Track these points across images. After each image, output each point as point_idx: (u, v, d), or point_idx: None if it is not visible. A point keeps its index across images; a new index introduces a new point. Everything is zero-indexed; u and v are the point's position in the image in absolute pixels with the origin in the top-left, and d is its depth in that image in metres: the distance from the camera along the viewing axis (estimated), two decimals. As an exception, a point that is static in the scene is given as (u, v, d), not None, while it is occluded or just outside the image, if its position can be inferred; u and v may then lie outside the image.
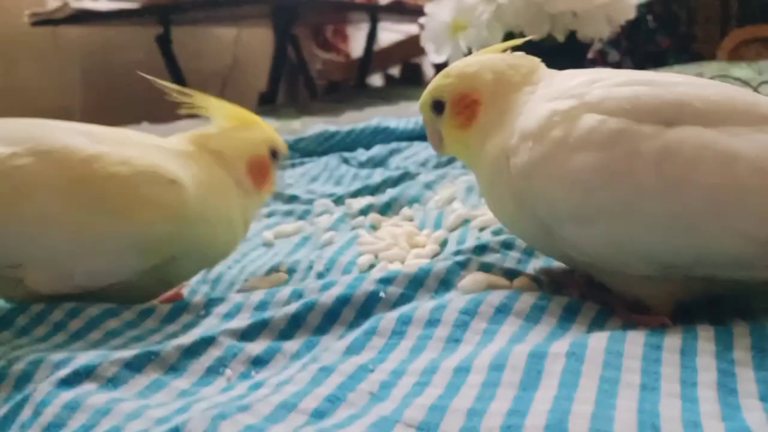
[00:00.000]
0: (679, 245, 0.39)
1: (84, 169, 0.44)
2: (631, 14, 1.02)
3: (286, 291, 0.46)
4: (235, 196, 0.52)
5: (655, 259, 0.40)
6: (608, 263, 0.42)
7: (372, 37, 2.26)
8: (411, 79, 2.47)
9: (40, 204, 0.44)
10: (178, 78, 1.85)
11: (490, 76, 0.47)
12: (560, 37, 1.00)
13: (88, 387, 0.36)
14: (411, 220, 0.67)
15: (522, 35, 0.99)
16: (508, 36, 1.01)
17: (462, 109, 0.47)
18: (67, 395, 0.35)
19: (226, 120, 0.53)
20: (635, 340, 0.37)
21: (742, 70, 1.22)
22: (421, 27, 1.09)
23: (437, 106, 0.49)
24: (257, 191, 0.54)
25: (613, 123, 0.39)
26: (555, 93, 0.43)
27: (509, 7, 0.98)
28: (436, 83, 0.49)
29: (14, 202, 0.43)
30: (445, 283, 0.47)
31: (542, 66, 0.48)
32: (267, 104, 1.85)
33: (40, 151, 0.44)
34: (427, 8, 1.07)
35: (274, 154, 0.55)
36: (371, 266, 0.56)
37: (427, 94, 0.50)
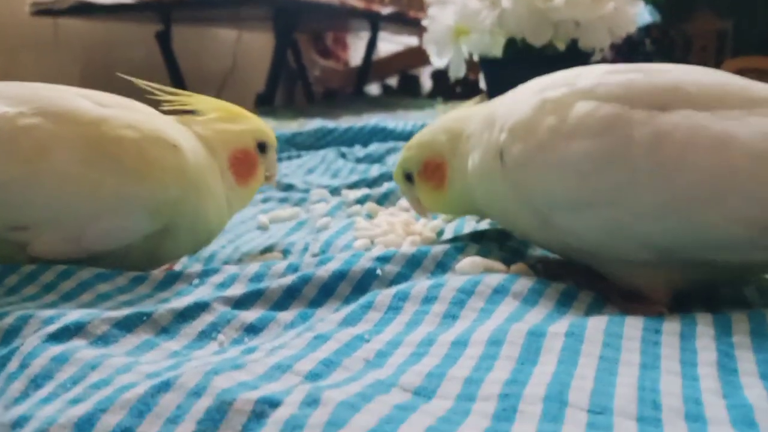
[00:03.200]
0: (674, 229, 0.39)
1: (94, 131, 0.44)
2: (633, 27, 1.03)
3: (282, 264, 0.45)
4: (219, 180, 0.52)
5: (650, 243, 0.40)
6: (605, 250, 0.41)
7: (372, 45, 2.27)
8: (408, 90, 2.48)
9: (55, 162, 0.43)
10: (177, 76, 1.85)
11: (444, 137, 0.51)
12: (561, 46, 1.00)
13: (77, 343, 0.35)
14: (407, 210, 0.66)
15: (524, 42, 1.01)
16: (511, 42, 1.02)
17: (431, 174, 0.52)
18: (56, 349, 0.34)
19: (212, 112, 0.53)
20: (634, 324, 0.37)
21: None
22: (424, 30, 1.09)
23: (408, 178, 0.54)
24: (241, 186, 0.53)
25: (606, 109, 0.39)
26: (526, 90, 0.45)
27: (512, 14, 0.98)
28: (402, 158, 0.55)
29: (28, 161, 0.43)
30: (442, 265, 0.47)
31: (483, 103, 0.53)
32: (264, 105, 1.84)
33: (49, 112, 0.44)
34: (431, 11, 1.07)
35: (262, 147, 0.54)
36: (367, 250, 0.55)
37: (397, 168, 0.55)
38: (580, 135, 0.40)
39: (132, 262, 0.48)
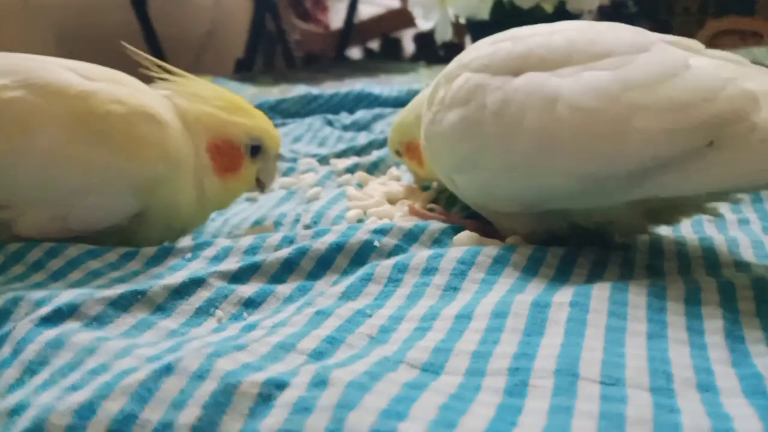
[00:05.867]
0: (525, 185, 0.42)
1: (80, 105, 0.42)
2: (620, -13, 1.01)
3: (276, 237, 0.44)
4: (192, 160, 0.48)
5: (514, 198, 0.43)
6: (485, 204, 0.46)
7: (352, 8, 2.23)
8: (391, 54, 2.44)
9: (39, 139, 0.41)
10: (154, 43, 1.80)
11: (413, 118, 0.54)
12: (549, 8, 0.98)
13: (71, 325, 0.34)
14: (399, 180, 0.65)
15: (511, 4, 0.99)
16: (498, 4, 1.00)
17: (412, 154, 0.57)
18: (50, 333, 0.33)
19: (214, 100, 0.49)
20: (638, 290, 0.36)
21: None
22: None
23: (398, 155, 0.61)
24: (218, 178, 0.49)
25: (474, 79, 0.43)
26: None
27: (499, -26, 0.96)
28: (389, 137, 0.61)
29: (11, 136, 0.41)
30: (439, 241, 0.46)
31: None
32: (243, 71, 1.81)
33: (33, 85, 0.42)
34: (416, -28, 1.05)
35: (254, 149, 0.50)
36: (360, 221, 0.54)
37: (390, 147, 0.61)
38: (454, 106, 0.43)
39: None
